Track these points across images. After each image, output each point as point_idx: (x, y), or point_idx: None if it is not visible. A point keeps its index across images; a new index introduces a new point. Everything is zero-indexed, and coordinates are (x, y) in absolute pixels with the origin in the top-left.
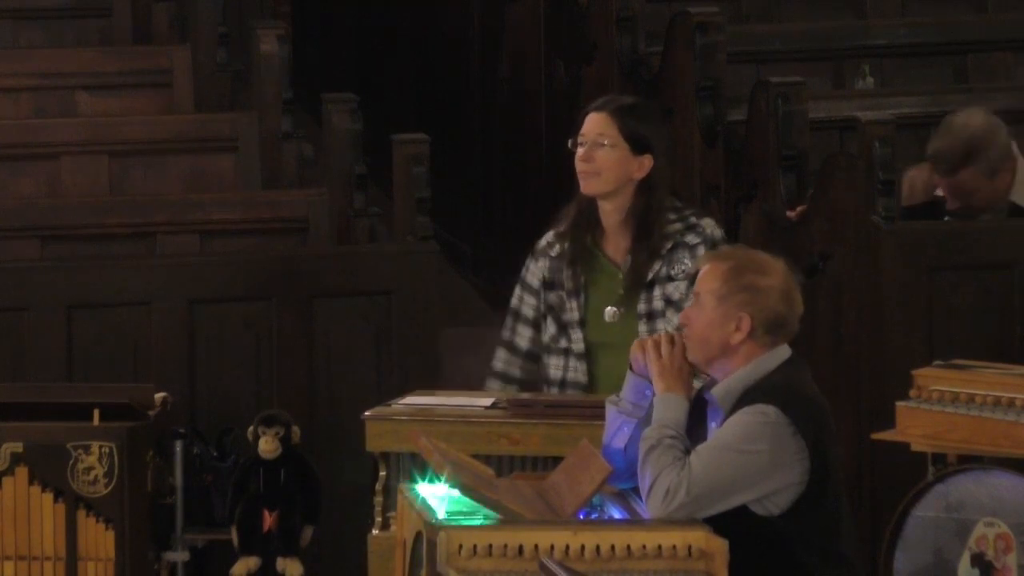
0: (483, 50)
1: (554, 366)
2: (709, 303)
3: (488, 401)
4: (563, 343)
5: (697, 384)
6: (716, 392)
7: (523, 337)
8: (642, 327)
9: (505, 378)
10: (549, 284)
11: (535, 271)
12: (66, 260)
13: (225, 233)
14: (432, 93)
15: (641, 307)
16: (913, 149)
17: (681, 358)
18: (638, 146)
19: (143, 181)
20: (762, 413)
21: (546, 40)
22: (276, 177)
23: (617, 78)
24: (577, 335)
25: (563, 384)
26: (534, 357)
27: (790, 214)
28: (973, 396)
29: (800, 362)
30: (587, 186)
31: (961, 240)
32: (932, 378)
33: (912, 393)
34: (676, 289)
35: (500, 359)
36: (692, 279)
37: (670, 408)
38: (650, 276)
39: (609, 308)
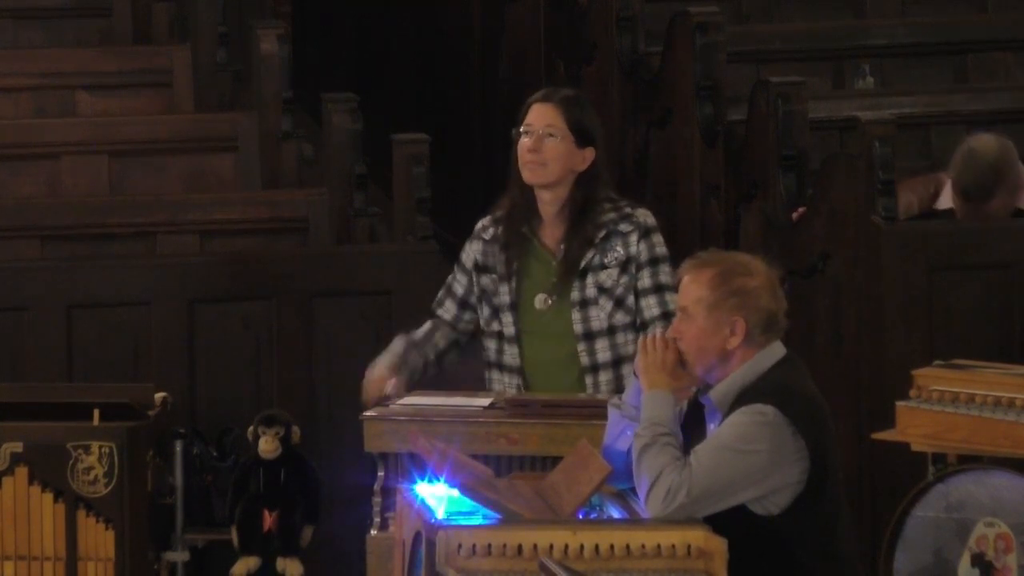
0: (483, 50)
1: (487, 348)
2: (699, 313)
3: (487, 401)
4: (495, 327)
5: (692, 391)
6: (713, 395)
7: (448, 311)
8: (575, 315)
9: (410, 340)
10: (482, 267)
11: (469, 252)
12: (66, 260)
13: (225, 233)
14: (432, 93)
15: (574, 295)
16: (913, 149)
17: (665, 354)
18: (583, 139)
19: (143, 181)
20: (760, 413)
21: (546, 40)
22: (276, 177)
23: (617, 78)
24: (508, 319)
25: (500, 367)
26: (448, 328)
27: (793, 214)
28: (973, 396)
29: (796, 361)
30: (532, 175)
31: (961, 240)
32: (932, 378)
33: (912, 393)
34: (608, 277)
35: (422, 328)
36: (623, 266)
37: (656, 405)
38: (583, 264)
39: (540, 295)
